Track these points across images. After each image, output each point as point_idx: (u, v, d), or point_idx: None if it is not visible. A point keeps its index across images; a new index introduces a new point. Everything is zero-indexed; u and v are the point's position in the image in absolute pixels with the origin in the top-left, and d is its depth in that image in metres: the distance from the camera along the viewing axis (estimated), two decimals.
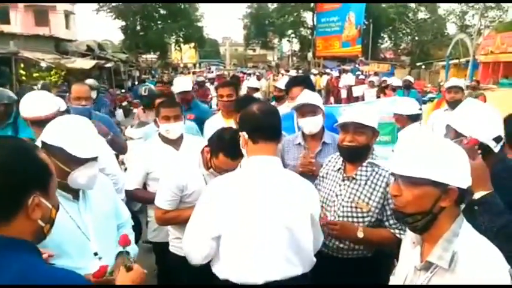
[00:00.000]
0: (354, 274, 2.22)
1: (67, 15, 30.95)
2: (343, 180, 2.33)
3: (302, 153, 2.75)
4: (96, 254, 1.85)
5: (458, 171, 1.31)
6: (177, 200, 2.43)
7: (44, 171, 1.16)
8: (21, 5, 27.35)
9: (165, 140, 2.97)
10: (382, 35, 37.64)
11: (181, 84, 4.96)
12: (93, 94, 5.57)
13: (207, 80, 13.87)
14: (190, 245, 1.88)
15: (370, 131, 2.25)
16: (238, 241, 1.77)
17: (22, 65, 13.82)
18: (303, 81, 3.56)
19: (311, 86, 3.56)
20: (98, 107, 5.62)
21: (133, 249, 2.06)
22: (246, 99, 3.36)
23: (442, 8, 36.07)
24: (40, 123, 2.47)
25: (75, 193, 1.86)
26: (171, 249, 2.61)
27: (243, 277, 1.77)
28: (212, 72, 27.27)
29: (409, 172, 1.32)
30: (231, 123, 3.37)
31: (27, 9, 28.20)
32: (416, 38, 36.56)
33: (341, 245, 2.28)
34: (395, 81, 10.62)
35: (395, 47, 39.42)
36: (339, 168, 2.38)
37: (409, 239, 1.50)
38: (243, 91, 7.90)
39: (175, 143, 2.97)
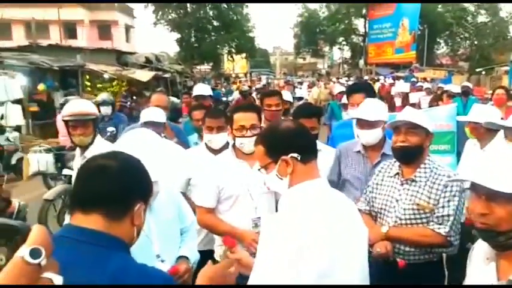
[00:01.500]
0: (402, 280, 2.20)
1: (127, 28, 32.76)
2: (402, 184, 2.34)
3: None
4: (158, 256, 1.91)
5: None
6: (216, 197, 2.49)
7: (148, 184, 1.32)
8: (86, 20, 29.27)
9: (210, 149, 3.03)
10: (438, 40, 36.22)
11: (199, 88, 5.16)
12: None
13: (253, 90, 14.01)
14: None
15: (423, 132, 2.26)
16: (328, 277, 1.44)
17: (88, 77, 14.83)
18: (364, 88, 3.48)
19: (372, 93, 3.47)
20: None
21: (195, 255, 2.13)
22: (305, 107, 3.37)
23: (505, 10, 34.16)
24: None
25: None
26: (216, 256, 2.50)
27: None
28: (260, 81, 27.68)
29: (508, 188, 1.21)
30: None
31: (92, 24, 30.13)
32: (476, 43, 34.84)
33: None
34: (453, 87, 10.23)
35: (452, 52, 37.75)
36: (396, 173, 2.39)
37: (482, 255, 1.39)
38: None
39: (220, 151, 2.89)
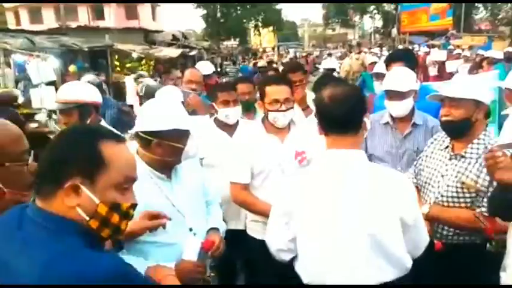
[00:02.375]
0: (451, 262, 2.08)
1: (153, 7, 32.71)
2: (450, 159, 2.17)
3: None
4: (191, 229, 1.93)
5: None
6: (250, 173, 2.44)
7: (92, 160, 1.09)
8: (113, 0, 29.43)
9: (221, 125, 2.86)
10: (476, 4, 34.29)
11: (201, 68, 4.70)
12: None
13: (275, 65, 13.20)
14: (272, 243, 1.82)
15: (471, 103, 2.04)
16: (316, 246, 1.64)
17: (116, 57, 14.96)
18: (404, 57, 3.21)
19: (412, 61, 3.18)
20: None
21: (223, 226, 2.16)
22: (325, 79, 3.21)
23: None
24: None
25: (168, 173, 1.94)
26: (249, 232, 2.57)
27: (318, 277, 1.65)
28: (288, 55, 27.12)
29: None
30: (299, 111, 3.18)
31: (119, 5, 30.27)
32: None
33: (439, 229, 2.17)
34: (494, 53, 9.64)
35: (492, 17, 35.70)
36: (447, 147, 2.21)
37: None
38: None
39: (231, 128, 2.85)
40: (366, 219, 1.58)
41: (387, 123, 2.68)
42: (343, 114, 1.62)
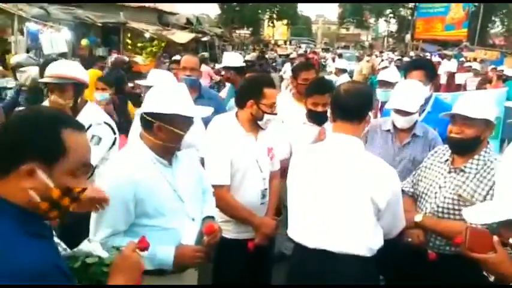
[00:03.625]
0: (442, 272, 2.15)
1: None
2: (449, 172, 2.23)
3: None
4: (189, 215, 1.96)
5: None
6: (229, 172, 2.45)
7: (53, 147, 1.10)
8: None
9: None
10: (493, 18, 34.04)
11: (229, 59, 4.55)
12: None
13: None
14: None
15: (482, 123, 2.09)
16: (302, 208, 1.97)
17: (129, 35, 14.98)
18: (423, 66, 3.17)
19: (432, 72, 3.17)
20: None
21: (216, 215, 2.22)
22: (318, 83, 3.16)
23: None
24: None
25: (169, 159, 1.96)
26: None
27: (299, 237, 1.97)
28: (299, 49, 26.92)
29: None
30: (303, 108, 3.22)
31: None
32: None
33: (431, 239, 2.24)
34: (507, 70, 9.65)
35: (507, 32, 35.44)
36: (446, 160, 2.27)
37: None
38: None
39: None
40: (342, 192, 1.88)
41: (388, 130, 2.75)
42: (351, 104, 1.94)
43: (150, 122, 1.84)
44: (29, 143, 1.08)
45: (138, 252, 1.39)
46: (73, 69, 2.74)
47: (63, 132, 1.11)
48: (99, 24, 12.97)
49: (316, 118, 3.03)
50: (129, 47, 14.70)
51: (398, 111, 2.62)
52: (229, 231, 2.48)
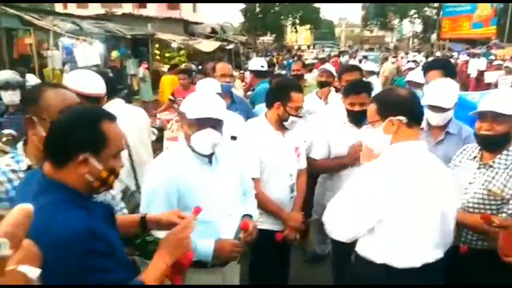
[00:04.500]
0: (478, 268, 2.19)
1: None
2: (479, 168, 2.28)
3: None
4: (226, 211, 2.09)
5: None
6: (259, 167, 2.66)
7: (99, 140, 1.36)
8: None
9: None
10: None
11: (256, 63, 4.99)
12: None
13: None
14: (337, 224, 1.87)
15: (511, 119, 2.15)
16: (401, 227, 1.77)
17: (157, 46, 15.41)
18: (443, 66, 3.22)
19: (452, 71, 3.23)
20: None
21: (255, 214, 2.33)
22: (355, 84, 3.16)
23: None
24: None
25: (209, 157, 2.12)
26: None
27: (403, 261, 1.79)
28: (323, 52, 26.84)
29: None
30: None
31: None
32: None
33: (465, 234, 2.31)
34: None
35: None
36: (475, 157, 2.32)
37: None
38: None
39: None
40: (440, 199, 1.81)
41: (422, 128, 2.78)
42: (421, 109, 1.92)
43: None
44: (80, 138, 1.34)
45: (186, 233, 1.57)
46: (75, 81, 2.62)
47: (103, 125, 1.37)
48: (129, 37, 13.42)
49: (354, 118, 3.01)
50: (158, 57, 15.11)
51: (433, 108, 2.63)
52: (262, 222, 2.62)
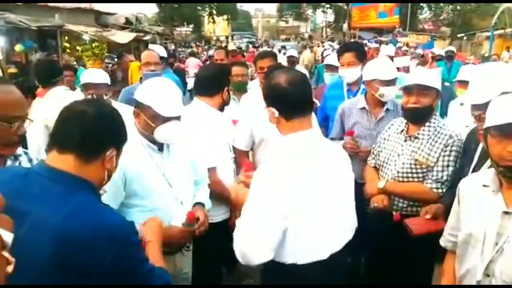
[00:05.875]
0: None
1: None
2: (406, 140, 2.46)
3: (346, 140, 2.91)
4: (176, 198, 2.09)
5: None
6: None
7: (122, 132, 1.40)
8: None
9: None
10: (421, 4, 36.14)
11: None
12: None
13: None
14: (253, 243, 1.57)
15: (434, 92, 2.34)
16: (305, 221, 1.61)
17: (66, 38, 14.33)
18: (356, 48, 3.56)
19: (362, 53, 3.56)
20: None
21: (208, 203, 2.33)
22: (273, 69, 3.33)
23: None
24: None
25: (160, 145, 2.10)
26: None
27: (311, 256, 1.63)
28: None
29: None
30: None
31: None
32: (458, 8, 34.90)
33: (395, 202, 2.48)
34: (437, 50, 10.41)
35: (435, 17, 37.81)
36: (402, 130, 2.50)
37: (488, 189, 1.55)
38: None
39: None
40: (341, 184, 1.73)
41: (363, 108, 2.96)
42: (305, 97, 1.69)
43: (135, 108, 2.04)
44: (109, 135, 1.35)
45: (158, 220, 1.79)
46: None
47: (123, 121, 1.41)
48: (34, 28, 12.29)
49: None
50: (68, 50, 14.07)
51: (382, 83, 2.80)
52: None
